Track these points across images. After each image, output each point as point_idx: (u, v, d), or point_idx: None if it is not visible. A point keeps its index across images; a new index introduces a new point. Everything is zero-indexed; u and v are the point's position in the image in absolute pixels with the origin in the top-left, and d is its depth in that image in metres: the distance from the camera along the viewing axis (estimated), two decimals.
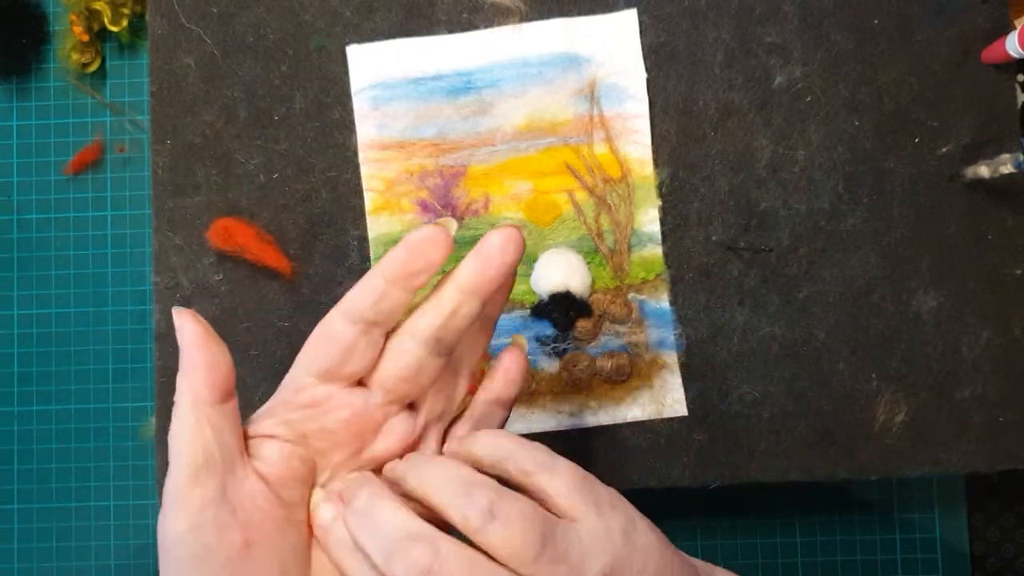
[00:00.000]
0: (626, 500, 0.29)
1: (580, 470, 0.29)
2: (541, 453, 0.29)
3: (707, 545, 0.52)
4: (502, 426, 0.34)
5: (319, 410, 0.29)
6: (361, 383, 0.30)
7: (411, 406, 0.31)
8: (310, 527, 0.30)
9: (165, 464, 0.46)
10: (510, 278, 0.32)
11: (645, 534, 0.28)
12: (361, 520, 0.27)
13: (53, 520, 0.52)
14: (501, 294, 0.33)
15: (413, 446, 0.31)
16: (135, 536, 0.52)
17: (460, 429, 0.33)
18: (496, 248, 0.29)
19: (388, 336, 0.30)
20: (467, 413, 0.33)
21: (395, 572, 0.25)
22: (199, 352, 0.27)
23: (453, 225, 0.29)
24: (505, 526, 0.25)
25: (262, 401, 0.37)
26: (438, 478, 0.27)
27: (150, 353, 0.47)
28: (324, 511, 0.29)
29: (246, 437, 0.29)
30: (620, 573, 0.27)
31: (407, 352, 0.29)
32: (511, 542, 0.25)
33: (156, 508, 0.47)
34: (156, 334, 0.46)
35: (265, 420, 0.30)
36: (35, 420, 0.52)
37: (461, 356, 0.33)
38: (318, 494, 0.30)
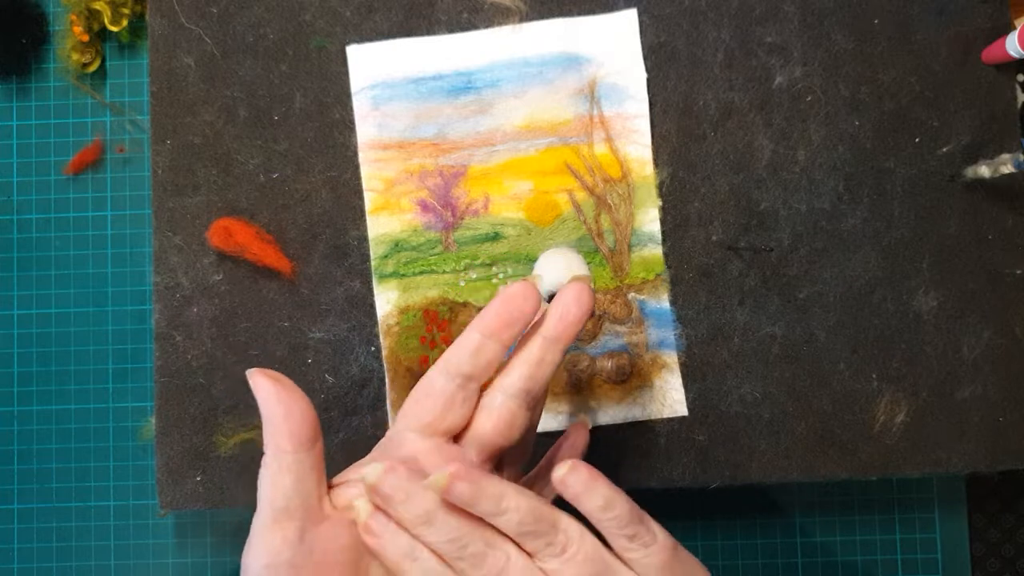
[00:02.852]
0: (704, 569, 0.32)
1: (670, 548, 0.30)
2: (646, 531, 0.30)
3: (707, 545, 0.52)
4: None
5: (417, 465, 0.31)
6: (455, 441, 0.32)
7: (497, 466, 0.34)
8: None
9: (165, 464, 0.46)
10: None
11: None
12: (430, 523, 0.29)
13: (53, 520, 0.52)
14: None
15: None
16: (135, 536, 0.52)
17: None
18: (573, 298, 0.31)
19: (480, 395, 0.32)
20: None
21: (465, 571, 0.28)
22: (275, 406, 0.29)
23: (541, 282, 0.33)
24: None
25: None
26: (524, 510, 0.29)
27: (150, 353, 0.47)
28: (377, 521, 0.30)
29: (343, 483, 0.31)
30: None
31: (501, 406, 0.31)
32: None
33: (156, 508, 0.47)
34: (156, 334, 0.46)
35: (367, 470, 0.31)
36: (35, 420, 0.52)
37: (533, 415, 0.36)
38: (363, 507, 0.30)
